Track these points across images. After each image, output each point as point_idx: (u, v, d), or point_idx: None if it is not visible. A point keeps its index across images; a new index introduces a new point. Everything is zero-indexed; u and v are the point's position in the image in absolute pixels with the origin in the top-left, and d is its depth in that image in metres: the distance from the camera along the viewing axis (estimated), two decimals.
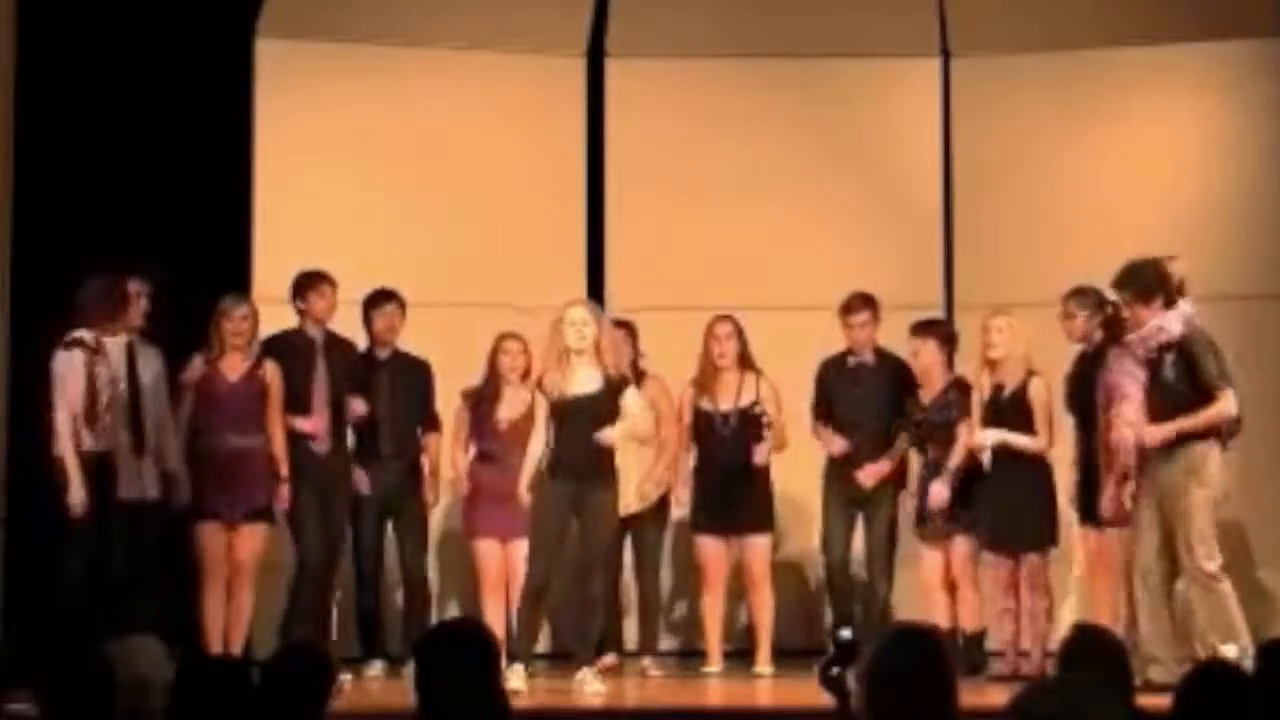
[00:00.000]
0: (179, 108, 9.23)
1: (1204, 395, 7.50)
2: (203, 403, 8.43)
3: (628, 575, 9.23)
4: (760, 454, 8.77)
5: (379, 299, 8.94)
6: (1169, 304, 7.58)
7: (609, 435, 7.90)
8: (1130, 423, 7.58)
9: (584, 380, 7.93)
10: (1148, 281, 7.60)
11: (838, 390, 9.02)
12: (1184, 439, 7.50)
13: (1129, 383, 7.63)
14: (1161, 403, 7.54)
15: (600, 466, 7.92)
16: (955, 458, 8.54)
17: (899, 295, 9.45)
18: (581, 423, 7.89)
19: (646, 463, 8.93)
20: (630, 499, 8.90)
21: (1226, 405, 7.52)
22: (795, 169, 10.20)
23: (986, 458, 8.44)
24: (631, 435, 8.12)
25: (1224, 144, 9.90)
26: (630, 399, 8.00)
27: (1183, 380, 7.52)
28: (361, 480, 8.81)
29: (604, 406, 7.91)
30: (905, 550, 8.94)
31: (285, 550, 8.75)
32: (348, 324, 8.98)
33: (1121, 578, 7.93)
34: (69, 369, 7.94)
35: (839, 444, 8.91)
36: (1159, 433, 7.51)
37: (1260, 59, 9.79)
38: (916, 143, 10.29)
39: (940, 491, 8.54)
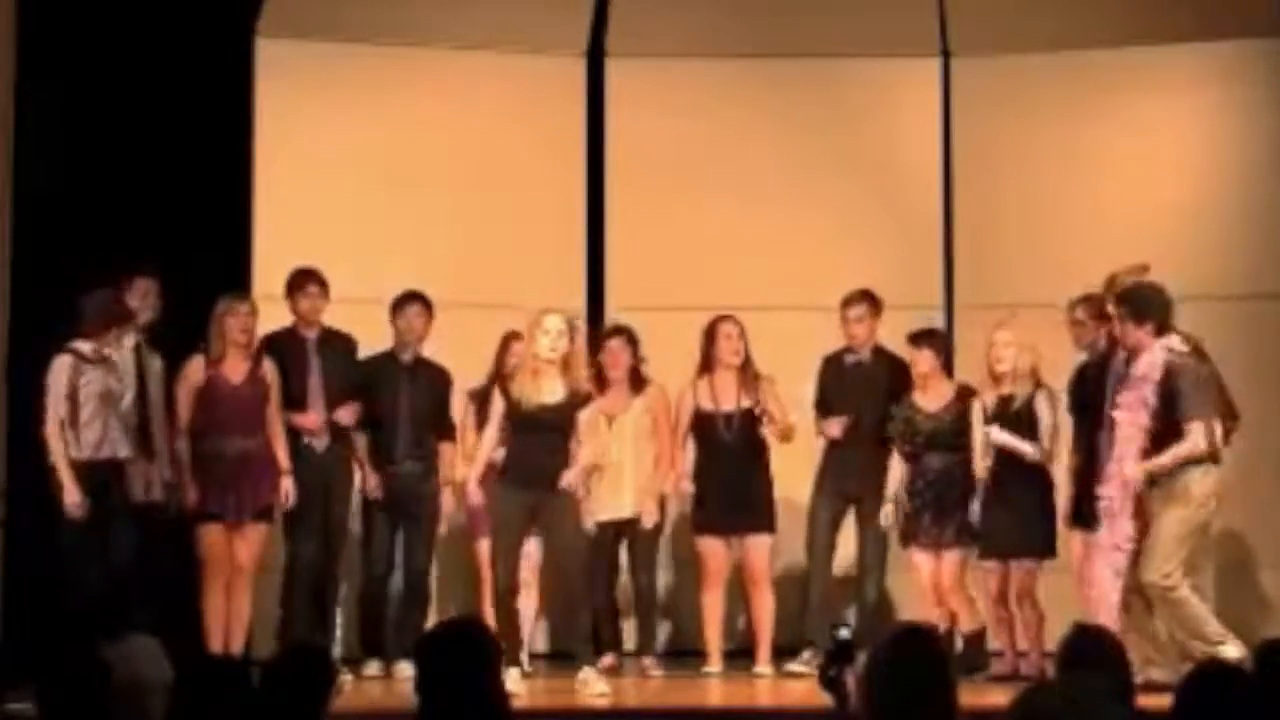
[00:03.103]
0: (179, 108, 9.23)
1: (1175, 426, 7.56)
2: (206, 406, 8.41)
3: (624, 575, 9.22)
4: (765, 431, 8.78)
5: (404, 300, 8.94)
6: (1160, 331, 7.61)
7: (571, 480, 7.90)
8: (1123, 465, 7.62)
9: (548, 390, 7.94)
10: (1145, 304, 7.64)
11: (835, 387, 9.04)
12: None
13: (1136, 425, 7.63)
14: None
15: (558, 476, 7.93)
16: (980, 471, 8.52)
17: (899, 295, 9.45)
18: (541, 432, 7.92)
19: (646, 465, 8.92)
20: (626, 502, 8.89)
21: (1194, 441, 7.57)
22: (795, 169, 10.19)
23: (983, 467, 8.46)
24: (590, 466, 8.12)
25: (1224, 144, 9.89)
26: (583, 418, 7.99)
27: (1162, 408, 7.58)
28: (374, 487, 8.83)
29: (562, 419, 7.93)
30: (902, 551, 8.94)
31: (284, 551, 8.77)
32: (348, 324, 8.97)
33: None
34: (55, 377, 7.96)
35: (836, 425, 8.91)
36: (1138, 470, 7.58)
37: (1260, 59, 9.79)
38: (916, 143, 10.28)
39: (977, 512, 8.52)
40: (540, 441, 7.92)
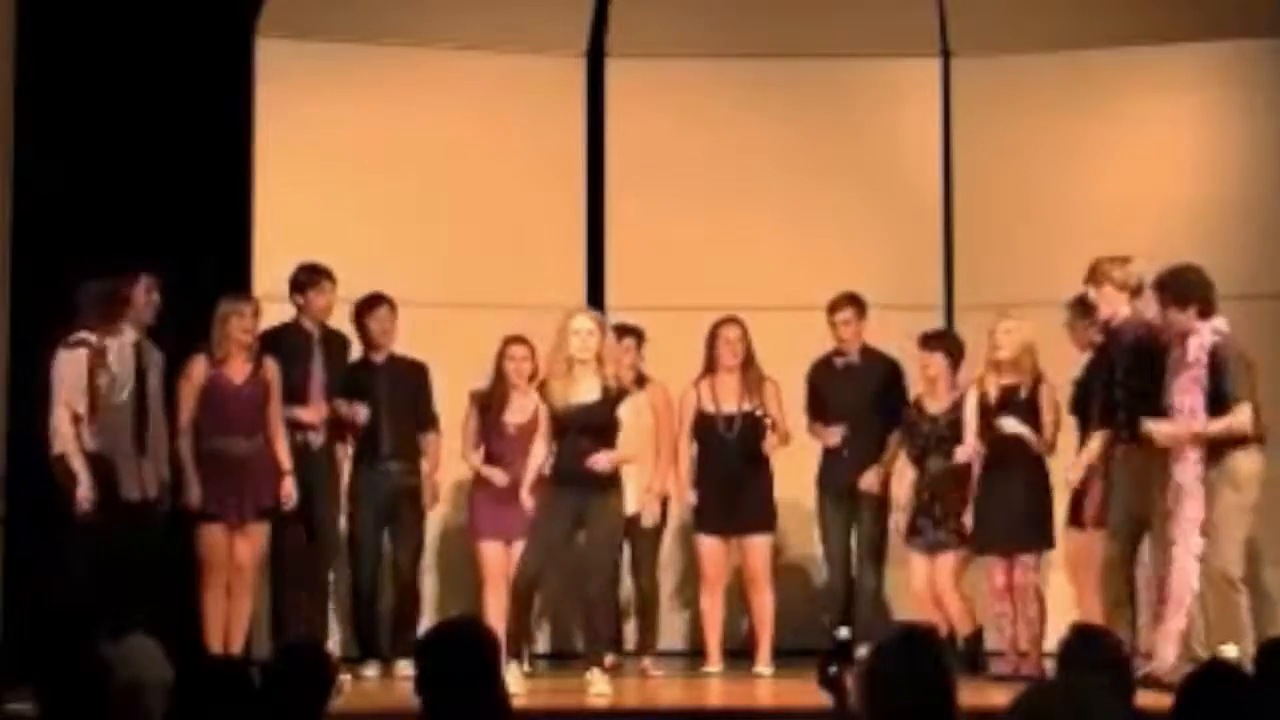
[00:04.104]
0: (179, 107, 9.22)
1: (1221, 405, 7.53)
2: (209, 406, 8.42)
3: (625, 574, 9.21)
4: (766, 445, 8.77)
5: (372, 303, 8.94)
6: (1205, 313, 7.58)
7: (602, 461, 7.90)
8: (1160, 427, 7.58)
9: (585, 390, 7.94)
10: (1186, 287, 7.61)
11: (827, 390, 9.09)
12: (1220, 446, 7.52)
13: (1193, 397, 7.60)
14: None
15: (601, 476, 7.93)
16: (962, 455, 8.54)
17: (899, 295, 9.45)
18: (582, 432, 7.91)
19: (648, 466, 8.92)
20: (630, 501, 8.89)
21: (1239, 419, 7.52)
22: (795, 169, 10.20)
23: (976, 465, 8.47)
24: (623, 458, 8.11)
25: (1224, 144, 9.90)
26: (625, 411, 8.00)
27: (1211, 390, 7.53)
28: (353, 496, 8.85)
29: (603, 417, 7.92)
30: (903, 551, 8.94)
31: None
32: (347, 323, 8.98)
33: (1102, 579, 8.01)
34: (71, 368, 7.95)
35: (834, 433, 8.95)
36: (1167, 429, 7.51)
37: (1260, 59, 9.79)
38: (916, 143, 10.29)
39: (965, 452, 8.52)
40: (583, 441, 7.91)
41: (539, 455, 8.12)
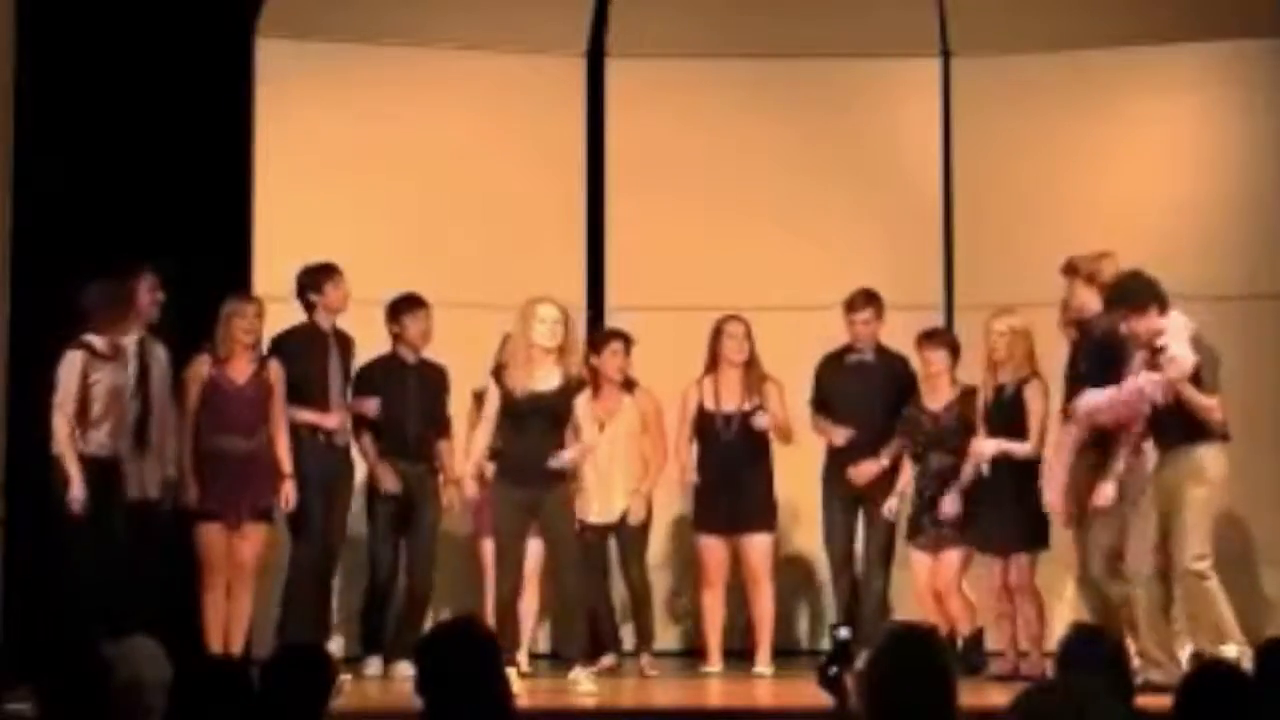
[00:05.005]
0: (179, 108, 9.23)
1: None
2: (210, 405, 8.42)
3: (617, 574, 9.19)
4: (759, 421, 8.75)
5: (412, 303, 8.90)
6: (1163, 310, 7.58)
7: (566, 458, 7.91)
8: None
9: (544, 378, 7.94)
10: (1136, 293, 7.60)
11: (836, 386, 9.05)
12: (1187, 440, 7.51)
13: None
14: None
15: (554, 470, 7.92)
16: (967, 471, 8.52)
17: (899, 295, 9.45)
18: (536, 421, 7.92)
19: (635, 466, 8.92)
20: (615, 505, 8.88)
21: (1215, 406, 7.52)
22: (795, 169, 10.20)
23: (985, 467, 8.44)
24: (583, 456, 8.12)
25: (1224, 144, 9.90)
26: (580, 404, 8.00)
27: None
28: (390, 479, 8.82)
29: (561, 406, 7.92)
30: (906, 550, 8.94)
31: (285, 551, 8.75)
32: (347, 324, 8.96)
33: (1079, 581, 8.05)
34: (66, 371, 7.94)
35: (842, 434, 8.94)
36: (1167, 385, 7.48)
37: (1260, 59, 9.79)
38: (916, 143, 10.29)
39: (952, 503, 8.51)
40: (535, 432, 7.91)
41: (480, 443, 8.09)
